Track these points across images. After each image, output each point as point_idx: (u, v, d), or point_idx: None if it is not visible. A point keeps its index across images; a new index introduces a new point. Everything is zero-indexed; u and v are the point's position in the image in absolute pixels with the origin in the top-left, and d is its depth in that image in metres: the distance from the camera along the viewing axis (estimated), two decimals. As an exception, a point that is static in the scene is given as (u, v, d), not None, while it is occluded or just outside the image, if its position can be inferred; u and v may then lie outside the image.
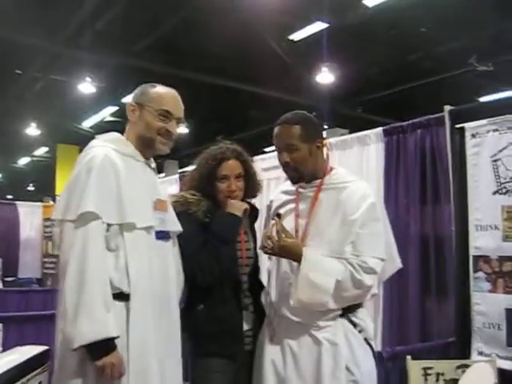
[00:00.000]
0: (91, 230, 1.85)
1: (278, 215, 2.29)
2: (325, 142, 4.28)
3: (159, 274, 2.02)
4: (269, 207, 2.54)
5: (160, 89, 2.13)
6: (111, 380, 1.82)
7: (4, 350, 2.91)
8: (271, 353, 2.28)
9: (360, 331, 2.21)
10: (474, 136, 3.29)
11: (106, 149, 2.00)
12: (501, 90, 8.66)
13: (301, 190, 2.36)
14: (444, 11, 7.06)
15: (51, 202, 11.23)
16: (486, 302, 3.17)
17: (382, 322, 3.65)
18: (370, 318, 2.33)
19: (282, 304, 2.27)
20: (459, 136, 3.35)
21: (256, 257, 2.49)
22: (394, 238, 2.43)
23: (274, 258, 2.35)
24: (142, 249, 1.97)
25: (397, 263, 2.41)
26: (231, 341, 2.29)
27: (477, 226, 3.23)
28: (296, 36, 8.26)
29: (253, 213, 2.53)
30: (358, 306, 2.27)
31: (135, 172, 2.04)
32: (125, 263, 1.91)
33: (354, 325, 2.21)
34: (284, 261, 2.29)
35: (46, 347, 2.74)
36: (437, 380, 2.90)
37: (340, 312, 2.20)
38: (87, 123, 13.06)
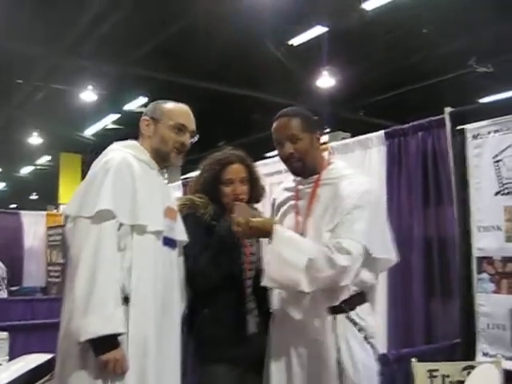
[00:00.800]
0: (106, 227, 1.91)
1: (235, 199, 2.29)
2: (326, 146, 4.31)
3: (163, 278, 2.05)
4: (272, 205, 2.57)
5: (173, 104, 2.23)
6: (113, 376, 1.85)
7: (11, 359, 2.93)
8: (276, 355, 2.28)
9: (360, 330, 2.19)
10: (475, 137, 3.29)
11: (124, 153, 2.08)
12: (501, 91, 8.67)
13: (300, 186, 2.37)
14: (443, 13, 7.09)
15: (55, 211, 11.26)
16: (490, 303, 3.16)
17: (387, 324, 3.65)
18: (372, 316, 2.28)
19: (283, 303, 2.27)
20: (460, 137, 3.35)
21: (260, 261, 2.50)
22: (391, 233, 2.37)
23: None
24: (148, 252, 2.01)
25: (391, 257, 2.33)
26: (234, 345, 2.29)
27: (479, 227, 3.23)
28: (296, 41, 8.29)
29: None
30: (360, 302, 2.24)
31: (150, 178, 2.11)
32: (130, 264, 1.95)
33: (354, 323, 2.18)
34: None
35: (52, 355, 2.76)
36: (443, 382, 2.90)
37: (335, 305, 2.18)
38: (89, 131, 13.10)
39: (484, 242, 3.20)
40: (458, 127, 3.38)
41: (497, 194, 3.16)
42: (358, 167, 4.03)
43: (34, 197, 23.30)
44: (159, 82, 8.96)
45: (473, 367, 2.83)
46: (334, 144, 4.26)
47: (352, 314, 2.20)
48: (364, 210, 2.18)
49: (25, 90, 10.21)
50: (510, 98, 5.47)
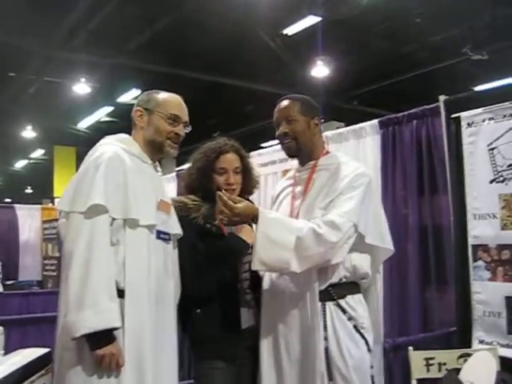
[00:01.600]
0: (99, 222, 1.90)
1: (218, 189, 2.27)
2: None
3: (157, 272, 2.04)
4: (273, 197, 2.60)
5: (166, 94, 2.22)
6: (109, 370, 1.85)
7: (6, 353, 2.91)
8: (267, 342, 2.29)
9: (349, 319, 2.18)
10: (469, 125, 3.29)
11: (115, 147, 2.07)
12: (496, 79, 8.64)
13: (297, 173, 2.41)
14: (437, 1, 7.06)
15: (50, 205, 11.22)
16: (486, 291, 3.17)
17: (383, 314, 3.66)
18: (364, 306, 2.28)
19: (274, 287, 2.28)
20: (455, 125, 3.35)
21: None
22: (387, 223, 2.39)
23: None
24: (141, 246, 2.00)
25: (389, 246, 2.35)
26: (229, 343, 2.27)
27: (475, 215, 3.23)
28: (290, 30, 8.23)
29: None
30: (350, 292, 2.24)
31: (142, 172, 2.10)
32: (123, 258, 1.95)
33: (343, 311, 2.18)
34: None
35: (48, 349, 2.75)
36: (439, 370, 2.91)
37: (323, 289, 2.18)
38: (83, 124, 13.04)
39: (479, 230, 3.21)
40: (453, 115, 3.37)
41: (492, 181, 3.16)
42: (353, 156, 4.03)
43: (28, 190, 23.24)
44: (152, 73, 8.91)
45: (469, 355, 2.85)
46: (328, 133, 4.25)
47: (342, 302, 2.20)
48: (357, 190, 2.19)
49: (18, 83, 10.14)
50: (505, 86, 5.45)
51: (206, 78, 9.54)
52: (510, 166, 3.09)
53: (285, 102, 2.38)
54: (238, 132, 11.05)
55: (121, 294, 1.92)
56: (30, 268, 9.67)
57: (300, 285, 2.20)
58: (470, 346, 3.16)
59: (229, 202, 2.11)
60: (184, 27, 7.90)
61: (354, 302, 2.23)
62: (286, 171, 4.23)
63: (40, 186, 19.55)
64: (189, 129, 2.24)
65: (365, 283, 2.33)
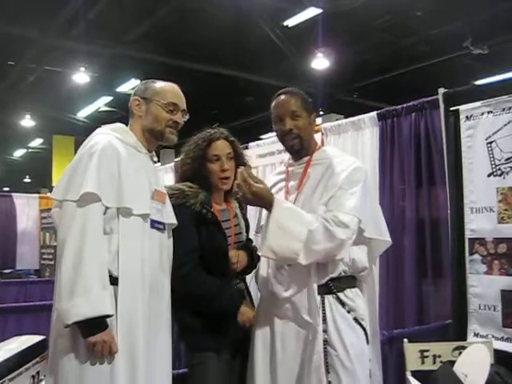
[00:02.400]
0: (91, 210, 1.90)
1: (244, 164, 2.28)
2: (319, 127, 4.30)
3: (151, 261, 2.05)
4: None
5: (163, 84, 2.23)
6: (102, 357, 1.86)
7: (3, 340, 2.92)
8: (261, 336, 2.28)
9: (349, 311, 2.19)
10: (468, 118, 3.28)
11: (110, 136, 2.07)
12: (496, 73, 8.62)
13: (290, 168, 2.40)
14: (438, -6, 7.03)
15: (48, 194, 11.22)
16: (481, 284, 3.18)
17: (379, 306, 3.67)
18: (362, 298, 2.29)
19: (269, 280, 2.28)
20: (454, 118, 3.35)
21: (246, 240, 2.51)
22: (383, 216, 2.40)
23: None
24: (135, 235, 2.01)
25: (387, 238, 2.36)
26: (218, 334, 2.26)
27: (472, 208, 3.23)
28: (290, 22, 8.19)
29: None
30: (349, 285, 2.24)
31: (136, 161, 2.10)
32: (117, 247, 1.95)
33: (343, 304, 2.19)
34: None
35: (43, 337, 2.75)
36: (434, 362, 2.92)
37: (322, 283, 2.18)
38: (82, 113, 13.00)
39: (476, 224, 3.21)
40: (452, 108, 3.37)
41: (489, 175, 3.16)
42: (351, 148, 4.03)
43: (26, 180, 23.21)
44: (152, 64, 8.87)
45: (464, 347, 2.86)
46: (326, 125, 4.25)
47: (341, 295, 2.20)
48: (356, 185, 2.20)
49: (17, 71, 10.09)
50: (504, 80, 5.45)
51: (205, 69, 9.50)
52: (507, 159, 3.08)
53: (287, 97, 2.33)
54: (237, 123, 11.04)
55: (114, 281, 1.92)
56: (27, 257, 9.69)
57: (299, 278, 2.20)
58: (465, 339, 3.17)
59: (248, 179, 2.10)
60: (184, 17, 7.86)
61: (352, 294, 2.24)
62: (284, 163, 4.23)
63: (38, 176, 19.51)
64: (187, 117, 2.23)
65: (362, 276, 2.33)
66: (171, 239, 2.23)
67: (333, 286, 2.19)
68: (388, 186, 3.73)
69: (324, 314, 2.16)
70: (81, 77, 9.72)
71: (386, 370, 2.93)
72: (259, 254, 2.16)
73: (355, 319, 2.19)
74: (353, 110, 7.00)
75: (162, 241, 2.14)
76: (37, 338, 2.76)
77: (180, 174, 2.50)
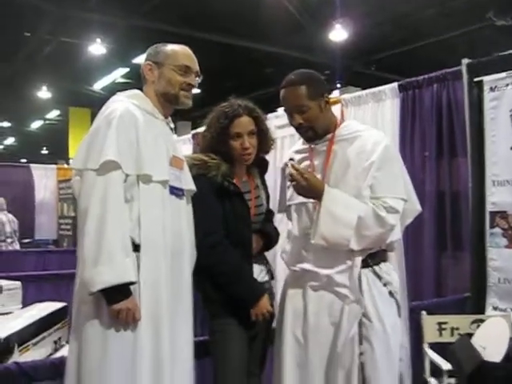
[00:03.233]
0: (112, 178, 1.89)
1: (291, 159, 2.26)
2: (339, 98, 4.24)
3: (172, 227, 2.04)
4: (283, 170, 2.53)
5: (174, 46, 2.18)
6: (125, 324, 1.86)
7: (23, 307, 2.97)
8: (292, 307, 2.28)
9: (385, 284, 2.19)
10: (492, 89, 3.22)
11: (127, 103, 2.04)
12: (519, 45, 8.45)
13: (313, 145, 2.34)
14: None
15: (65, 165, 11.30)
16: (502, 258, 3.16)
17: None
18: (395, 271, 2.30)
19: (304, 258, 2.26)
20: (477, 89, 3.29)
21: (267, 211, 2.49)
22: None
23: (293, 212, 2.34)
24: (156, 202, 2.00)
25: (416, 206, 2.37)
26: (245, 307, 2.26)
27: (494, 181, 3.19)
28: (308, -8, 8.09)
29: (263, 164, 2.52)
30: (382, 259, 2.24)
31: (154, 127, 2.08)
32: (138, 214, 1.94)
33: (379, 277, 2.19)
34: (304, 215, 2.28)
35: (64, 303, 2.80)
36: (451, 334, 2.93)
37: (361, 258, 2.17)
38: (98, 85, 13.00)
39: (498, 197, 3.17)
40: (476, 79, 3.30)
41: (512, 147, 3.11)
42: (371, 119, 3.98)
43: (44, 151, 23.37)
44: (168, 35, 8.72)
45: (482, 321, 2.85)
46: (346, 96, 4.20)
47: (376, 268, 2.21)
48: (393, 164, 2.21)
49: (33, 43, 10.09)
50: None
51: (222, 41, 9.42)
52: (532, 131, 3.03)
53: (290, 90, 2.24)
54: (255, 95, 10.94)
55: (136, 248, 1.92)
56: (45, 227, 9.82)
57: (339, 256, 2.19)
58: (483, 313, 3.16)
59: (300, 169, 2.15)
60: (200, -13, 7.78)
61: (386, 267, 2.24)
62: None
63: (55, 147, 19.64)
64: (201, 78, 2.20)
65: (393, 248, 2.33)
66: (190, 206, 2.22)
67: (370, 260, 2.20)
68: (408, 158, 3.68)
69: (360, 286, 2.16)
70: (97, 48, 9.71)
71: (403, 342, 2.95)
72: (312, 241, 2.16)
73: (390, 293, 2.20)
74: (371, 82, 6.91)
75: (181, 207, 2.13)
76: (57, 305, 2.81)
77: (201, 146, 2.47)
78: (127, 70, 11.65)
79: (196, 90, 2.26)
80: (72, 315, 2.03)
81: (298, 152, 2.44)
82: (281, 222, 2.63)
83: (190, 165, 2.26)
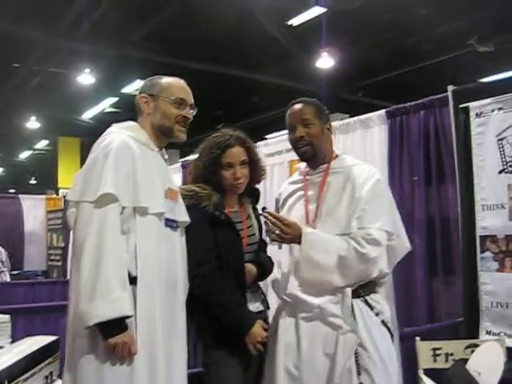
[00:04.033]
0: (109, 211, 1.90)
1: (263, 209, 2.31)
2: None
3: (166, 259, 2.05)
4: (277, 200, 2.57)
5: (169, 79, 2.22)
6: (121, 358, 1.85)
7: (13, 342, 2.92)
8: (285, 338, 2.27)
9: (377, 314, 2.22)
10: (478, 115, 3.26)
11: (123, 135, 2.06)
12: (502, 71, 8.58)
13: (308, 177, 2.40)
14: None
15: (54, 195, 11.24)
16: (493, 282, 3.16)
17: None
18: (386, 300, 2.32)
19: (294, 287, 2.27)
20: (464, 115, 3.32)
21: (260, 241, 2.49)
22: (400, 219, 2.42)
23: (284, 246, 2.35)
24: (152, 234, 2.00)
25: (405, 244, 2.40)
26: (234, 336, 2.24)
27: (483, 205, 3.21)
28: (295, 21, 8.18)
29: (254, 194, 2.53)
30: (373, 290, 2.26)
31: (149, 159, 2.10)
32: (134, 246, 1.94)
33: (371, 307, 2.21)
34: (293, 245, 2.29)
35: (55, 337, 2.75)
36: (446, 360, 2.90)
37: (352, 289, 2.19)
38: (87, 115, 13.02)
39: (487, 221, 3.19)
40: (462, 105, 3.35)
41: (500, 172, 3.14)
42: (360, 146, 4.02)
43: (32, 181, 23.25)
44: (157, 64, 8.84)
45: (476, 345, 2.83)
46: (335, 124, 4.22)
47: (368, 298, 2.23)
48: (382, 198, 2.26)
49: (21, 73, 10.11)
50: (512, 77, 5.44)
51: (210, 69, 9.50)
52: (518, 156, 3.07)
53: (299, 105, 2.37)
54: (243, 123, 11.01)
55: (133, 281, 1.91)
56: (34, 258, 9.71)
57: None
58: (477, 337, 3.15)
59: (279, 216, 2.21)
60: (188, 17, 7.85)
61: (377, 298, 2.27)
62: (292, 161, 4.22)
63: (44, 177, 19.54)
64: (195, 111, 2.23)
65: (382, 282, 2.35)
66: (184, 237, 2.23)
67: (361, 291, 2.22)
68: (397, 185, 3.71)
69: (354, 316, 2.17)
70: (86, 78, 9.75)
71: (398, 369, 2.93)
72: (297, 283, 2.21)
73: (382, 322, 2.22)
74: (358, 109, 6.99)
75: (175, 239, 2.14)
76: (48, 339, 2.75)
77: (193, 176, 2.48)
78: (116, 99, 11.69)
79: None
80: (66, 348, 2.00)
81: (293, 183, 2.50)
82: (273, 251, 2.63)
83: (182, 196, 2.27)
